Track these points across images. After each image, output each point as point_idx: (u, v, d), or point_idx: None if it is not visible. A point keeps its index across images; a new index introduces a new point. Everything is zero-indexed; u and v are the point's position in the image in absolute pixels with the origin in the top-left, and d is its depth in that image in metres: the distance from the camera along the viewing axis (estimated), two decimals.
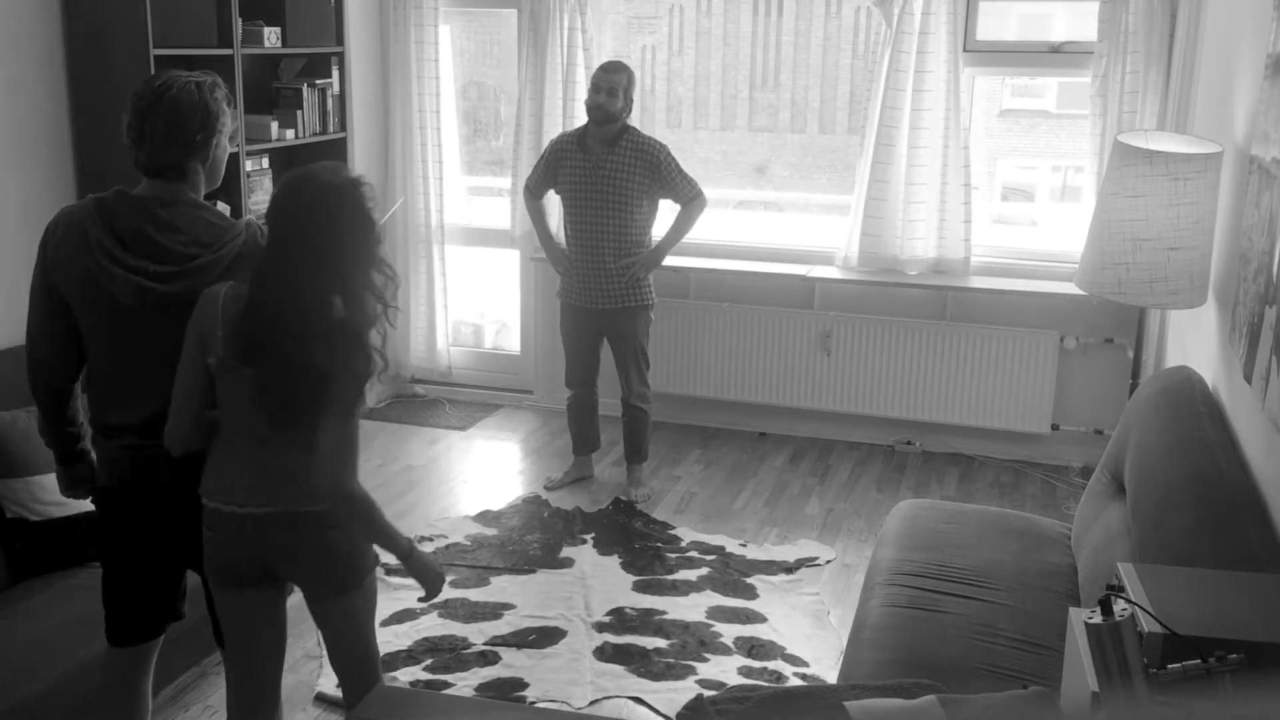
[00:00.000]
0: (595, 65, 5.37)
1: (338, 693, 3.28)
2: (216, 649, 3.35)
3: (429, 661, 3.46)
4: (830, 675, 3.37)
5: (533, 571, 4.09)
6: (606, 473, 5.02)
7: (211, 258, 2.39)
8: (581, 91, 5.38)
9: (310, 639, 3.58)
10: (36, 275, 2.44)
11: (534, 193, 4.75)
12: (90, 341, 2.46)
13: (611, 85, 4.45)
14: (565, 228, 4.67)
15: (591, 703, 3.29)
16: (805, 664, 3.50)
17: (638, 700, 3.30)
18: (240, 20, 4.29)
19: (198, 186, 2.47)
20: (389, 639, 3.58)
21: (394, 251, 5.76)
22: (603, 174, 4.47)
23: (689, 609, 3.82)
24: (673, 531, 4.44)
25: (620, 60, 4.62)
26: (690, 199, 4.54)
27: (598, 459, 5.05)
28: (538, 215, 4.81)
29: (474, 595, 3.89)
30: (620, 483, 4.90)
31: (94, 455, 2.56)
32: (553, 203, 4.89)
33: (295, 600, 3.81)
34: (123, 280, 2.35)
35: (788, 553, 4.28)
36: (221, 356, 2.30)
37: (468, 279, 6.11)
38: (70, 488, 2.65)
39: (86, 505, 3.17)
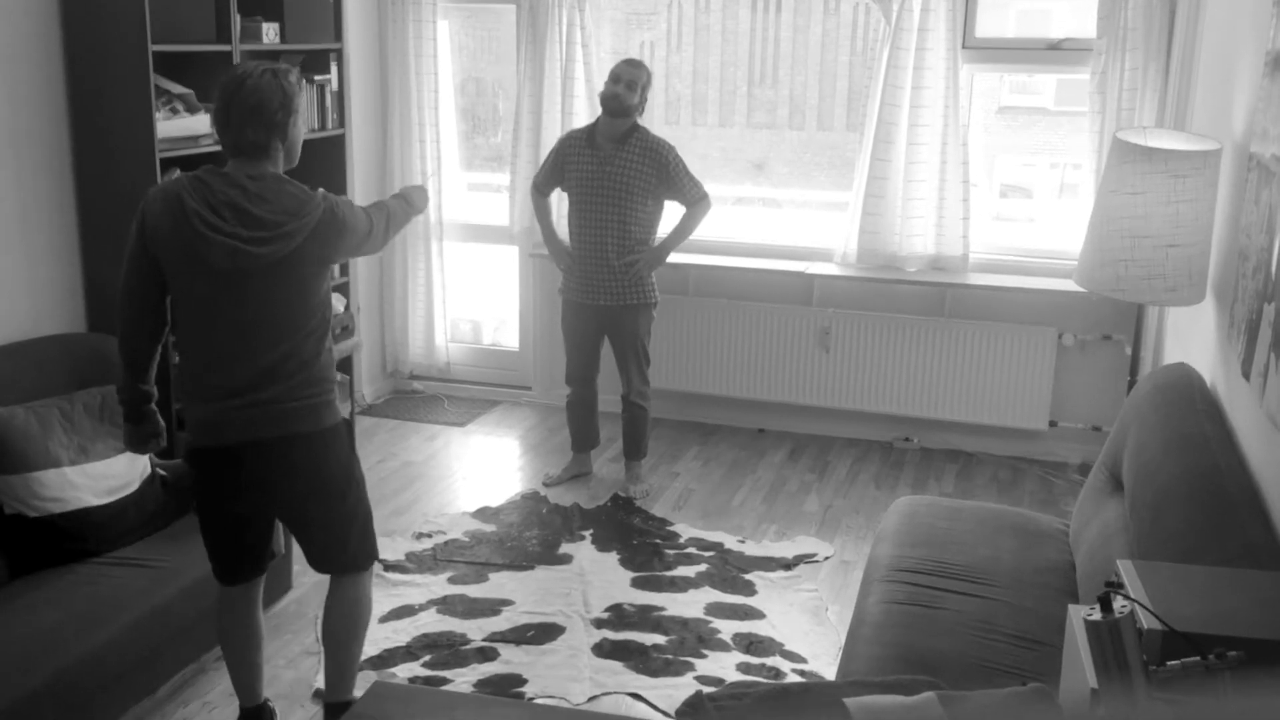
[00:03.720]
0: (594, 61, 5.39)
1: None
2: (214, 645, 3.37)
3: (428, 658, 3.46)
4: (829, 672, 3.38)
5: (531, 568, 4.09)
6: (605, 469, 5.02)
7: (298, 224, 2.64)
8: (580, 88, 5.38)
9: (309, 635, 3.58)
10: (133, 244, 2.69)
11: (541, 190, 4.74)
12: (184, 309, 2.69)
13: (632, 78, 4.44)
14: (570, 223, 4.65)
15: (590, 699, 3.29)
16: (804, 660, 3.51)
17: (636, 696, 3.30)
18: (239, 16, 4.28)
19: (278, 163, 2.73)
20: (388, 635, 3.58)
21: (393, 247, 5.76)
22: (609, 170, 4.47)
23: (687, 605, 3.82)
24: (671, 528, 4.44)
25: (640, 59, 4.61)
26: (696, 200, 4.55)
27: (596, 455, 5.05)
28: (543, 212, 4.80)
29: (472, 591, 3.90)
30: (619, 479, 4.90)
31: (191, 416, 2.75)
32: (555, 201, 4.88)
33: (296, 596, 3.83)
34: (219, 245, 2.58)
35: (786, 549, 4.28)
36: None
37: (466, 275, 6.10)
38: (139, 443, 2.88)
39: (83, 503, 3.20)
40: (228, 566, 2.91)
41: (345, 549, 2.91)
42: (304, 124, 2.81)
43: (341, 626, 2.97)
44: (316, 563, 2.94)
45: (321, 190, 2.76)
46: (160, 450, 2.98)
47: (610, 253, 4.53)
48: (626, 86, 4.44)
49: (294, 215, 2.64)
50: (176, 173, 4.14)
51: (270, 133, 2.67)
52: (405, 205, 3.07)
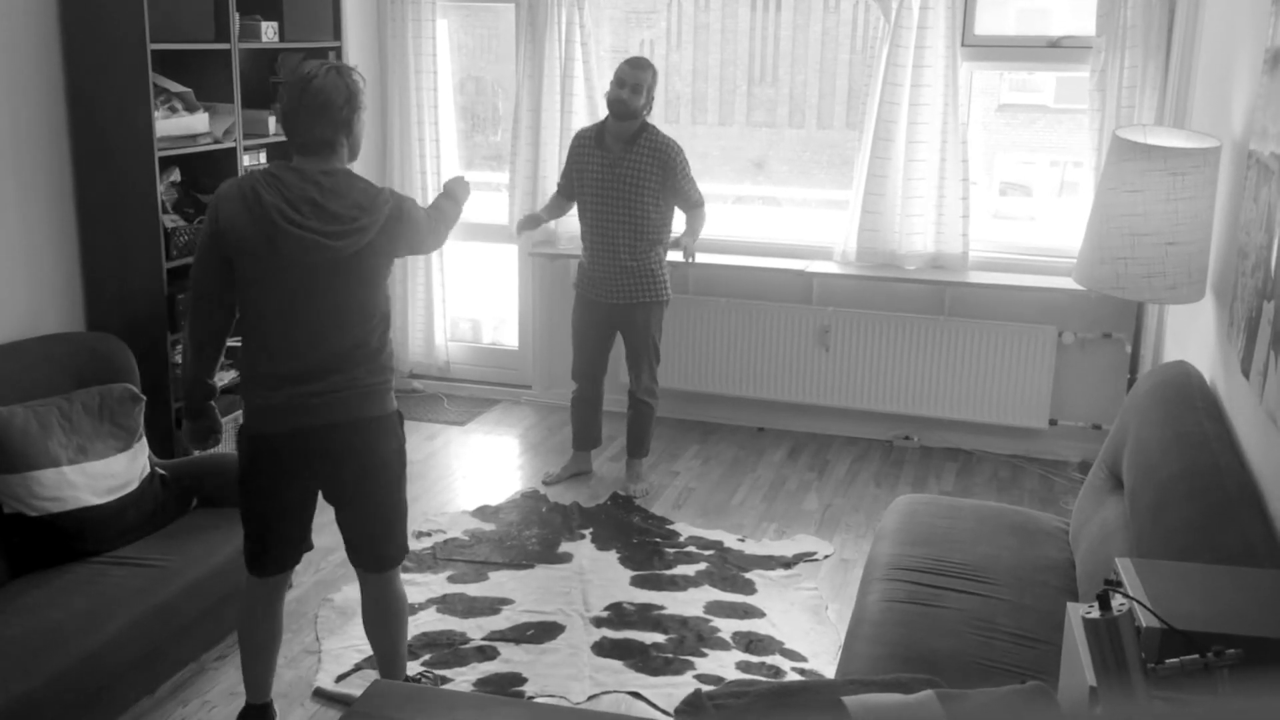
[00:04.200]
0: (594, 60, 5.38)
1: (336, 688, 3.29)
2: (214, 645, 3.37)
3: (427, 657, 3.46)
4: (828, 670, 3.37)
5: (531, 567, 4.09)
6: (605, 468, 5.02)
7: (370, 219, 2.73)
8: (579, 86, 5.37)
9: (309, 634, 3.58)
10: (203, 244, 2.76)
11: (564, 193, 4.75)
12: (256, 302, 2.76)
13: (637, 81, 4.42)
14: (582, 223, 4.65)
15: (590, 698, 3.29)
16: (803, 659, 3.51)
17: (636, 695, 3.30)
18: (238, 15, 4.28)
19: (344, 159, 2.82)
20: None
21: None
22: (619, 171, 4.46)
23: (687, 604, 3.82)
24: (671, 526, 4.44)
25: (645, 57, 4.60)
26: (696, 204, 4.57)
27: (596, 454, 5.04)
28: (553, 204, 4.82)
29: (472, 590, 3.90)
30: (619, 478, 4.90)
31: (255, 403, 2.80)
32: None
33: (296, 595, 3.83)
34: (298, 239, 2.67)
35: (786, 548, 4.28)
36: None
37: (466, 274, 6.10)
38: (200, 439, 2.95)
39: (82, 502, 3.20)
40: (269, 554, 2.92)
41: (391, 540, 2.95)
42: (366, 118, 2.88)
43: (390, 623, 3.02)
44: (360, 553, 2.94)
45: (389, 187, 2.84)
46: (199, 448, 3.01)
47: (623, 253, 4.52)
48: (631, 90, 4.42)
49: (366, 210, 2.73)
50: (176, 171, 4.15)
51: (337, 129, 2.76)
52: (451, 202, 3.14)
